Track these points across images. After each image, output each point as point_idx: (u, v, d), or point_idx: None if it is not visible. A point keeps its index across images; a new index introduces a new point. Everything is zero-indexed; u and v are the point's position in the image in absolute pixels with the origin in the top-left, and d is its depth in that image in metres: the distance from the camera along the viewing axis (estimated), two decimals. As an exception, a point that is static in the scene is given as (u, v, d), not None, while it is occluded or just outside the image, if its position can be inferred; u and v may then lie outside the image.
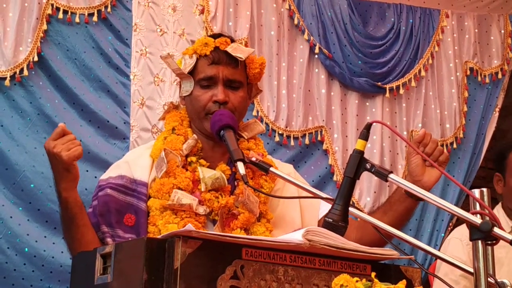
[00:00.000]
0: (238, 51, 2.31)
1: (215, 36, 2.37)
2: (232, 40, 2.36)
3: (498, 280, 1.65)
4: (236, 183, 2.29)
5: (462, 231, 3.32)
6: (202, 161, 2.29)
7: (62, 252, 3.58)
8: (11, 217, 3.56)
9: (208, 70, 2.30)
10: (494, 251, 1.65)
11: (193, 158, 2.29)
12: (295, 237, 1.60)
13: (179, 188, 2.21)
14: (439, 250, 4.01)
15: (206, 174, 2.25)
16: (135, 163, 2.30)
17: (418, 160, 2.28)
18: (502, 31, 4.84)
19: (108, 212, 2.22)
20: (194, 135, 2.32)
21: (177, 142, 2.28)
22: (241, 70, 2.34)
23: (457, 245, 3.25)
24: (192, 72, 2.33)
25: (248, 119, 2.53)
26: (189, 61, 2.33)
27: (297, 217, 2.37)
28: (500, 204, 3.50)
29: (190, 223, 2.12)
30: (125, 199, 2.24)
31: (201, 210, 2.20)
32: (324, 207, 2.36)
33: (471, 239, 1.62)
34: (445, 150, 2.28)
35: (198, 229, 2.10)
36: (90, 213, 2.27)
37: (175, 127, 2.34)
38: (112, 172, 2.30)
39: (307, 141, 4.26)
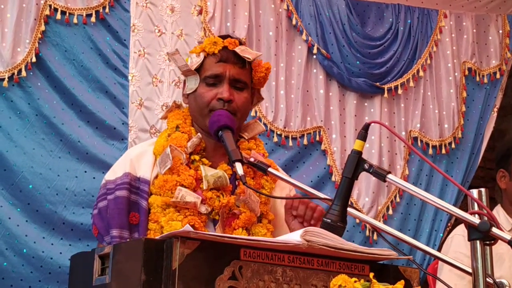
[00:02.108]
0: (246, 52, 2.33)
1: (224, 37, 2.39)
2: (241, 43, 2.37)
3: (497, 280, 1.65)
4: (237, 183, 2.30)
5: (464, 228, 3.31)
6: (204, 160, 2.30)
7: (60, 253, 3.58)
8: (9, 218, 3.55)
9: (215, 68, 2.32)
10: (495, 247, 1.65)
11: (196, 157, 2.29)
12: (293, 237, 1.60)
13: (183, 186, 2.21)
14: (438, 250, 4.01)
15: (209, 172, 2.25)
16: (139, 161, 2.30)
17: (296, 225, 2.24)
18: (500, 31, 4.84)
19: (120, 214, 2.21)
20: (198, 133, 2.32)
21: (182, 140, 2.28)
22: (247, 72, 2.35)
23: (461, 241, 3.25)
24: (198, 70, 2.34)
25: (247, 120, 2.53)
26: (196, 59, 2.34)
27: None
28: (499, 205, 3.50)
29: (193, 221, 2.13)
30: (131, 197, 2.24)
31: (203, 209, 2.21)
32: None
33: (469, 239, 1.62)
34: (318, 206, 2.25)
35: (200, 228, 2.12)
36: (96, 215, 2.26)
37: (179, 125, 2.34)
38: (118, 172, 2.30)
39: (305, 141, 4.26)
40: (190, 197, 2.18)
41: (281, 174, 2.44)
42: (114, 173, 2.29)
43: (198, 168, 2.26)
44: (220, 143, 2.27)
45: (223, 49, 2.32)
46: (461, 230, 3.32)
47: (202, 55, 2.34)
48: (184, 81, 2.39)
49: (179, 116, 2.37)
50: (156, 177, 2.25)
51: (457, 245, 3.26)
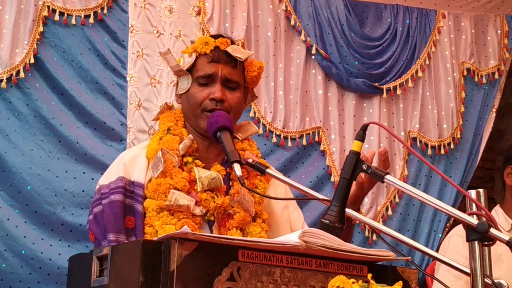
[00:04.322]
0: (238, 52, 2.32)
1: (216, 36, 2.38)
2: (232, 42, 2.37)
3: (495, 280, 1.65)
4: (231, 183, 2.30)
5: (463, 229, 3.32)
6: (197, 161, 2.29)
7: (59, 254, 3.58)
8: (8, 219, 3.55)
9: (207, 68, 2.31)
10: (494, 248, 1.65)
11: (189, 159, 2.29)
12: (292, 238, 1.60)
13: (176, 189, 2.20)
14: (436, 250, 4.01)
15: (203, 174, 2.25)
16: (132, 165, 2.29)
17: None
18: (499, 32, 4.85)
19: (116, 218, 2.20)
20: (190, 135, 2.32)
21: (173, 142, 2.28)
22: (239, 71, 2.35)
23: (459, 242, 3.26)
24: (190, 70, 2.33)
25: (243, 120, 2.53)
26: (188, 59, 2.34)
27: (287, 222, 2.38)
28: (498, 206, 3.51)
29: (187, 224, 2.12)
30: (125, 201, 2.23)
31: (198, 211, 2.20)
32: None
33: (467, 240, 1.62)
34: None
35: (195, 230, 2.11)
36: (92, 221, 2.25)
37: (170, 127, 2.33)
38: (111, 176, 2.29)
39: (304, 142, 4.26)
40: (184, 200, 2.18)
41: (279, 175, 2.44)
42: (107, 178, 2.29)
43: (192, 170, 2.26)
44: (213, 144, 2.27)
45: (214, 49, 2.32)
46: (459, 230, 3.33)
47: (194, 55, 2.33)
48: (177, 81, 2.39)
49: (170, 118, 2.36)
50: (150, 180, 2.25)
51: (455, 246, 3.26)
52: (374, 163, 2.16)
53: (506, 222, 3.42)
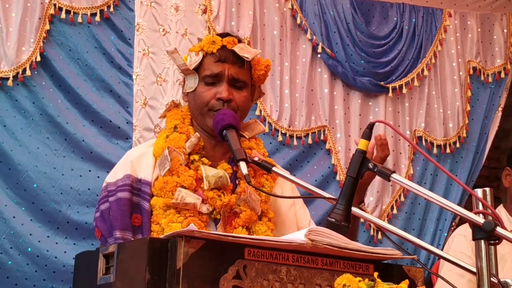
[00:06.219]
0: (245, 51, 2.32)
1: (223, 35, 2.38)
2: (239, 41, 2.37)
3: (501, 279, 1.65)
4: (237, 182, 2.30)
5: (466, 229, 3.33)
6: (204, 159, 2.29)
7: (65, 252, 3.58)
8: (14, 217, 3.55)
9: (214, 67, 2.31)
10: (498, 248, 1.65)
11: (196, 157, 2.29)
12: (298, 237, 1.61)
13: (183, 187, 2.20)
14: (442, 249, 4.01)
15: (209, 172, 2.25)
16: (139, 162, 2.30)
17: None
18: (505, 30, 4.84)
19: (122, 216, 2.20)
20: (197, 133, 2.32)
21: (180, 140, 2.28)
22: (247, 71, 2.34)
23: (461, 241, 3.26)
24: (197, 69, 2.33)
25: (250, 119, 2.53)
26: (195, 58, 2.33)
27: (293, 220, 2.38)
28: (501, 205, 3.50)
29: (193, 222, 2.12)
30: (132, 199, 2.23)
31: (204, 209, 2.20)
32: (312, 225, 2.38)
33: (474, 239, 1.61)
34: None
35: (201, 228, 2.12)
36: (98, 218, 2.25)
37: (177, 125, 2.34)
38: (118, 174, 2.29)
39: (310, 140, 4.26)
40: (190, 198, 2.18)
41: (285, 173, 2.44)
42: (114, 175, 2.29)
43: (198, 168, 2.26)
44: (219, 142, 2.28)
45: (221, 48, 2.31)
46: (462, 230, 3.34)
47: (200, 54, 2.33)
48: (184, 79, 2.39)
49: (177, 116, 2.36)
50: (157, 178, 2.25)
51: (458, 245, 3.26)
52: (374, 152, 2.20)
53: (509, 221, 3.41)
